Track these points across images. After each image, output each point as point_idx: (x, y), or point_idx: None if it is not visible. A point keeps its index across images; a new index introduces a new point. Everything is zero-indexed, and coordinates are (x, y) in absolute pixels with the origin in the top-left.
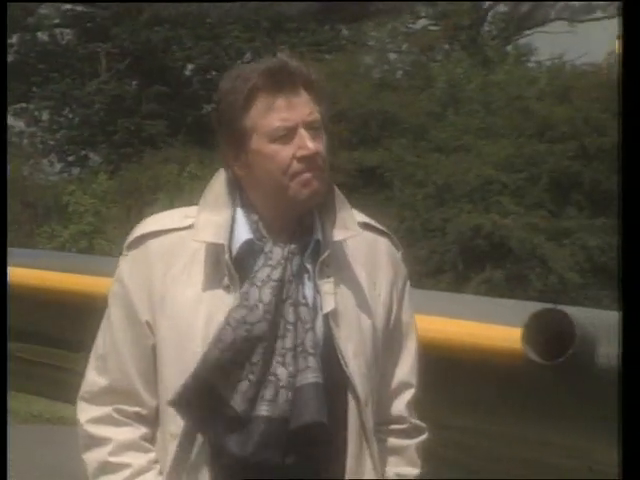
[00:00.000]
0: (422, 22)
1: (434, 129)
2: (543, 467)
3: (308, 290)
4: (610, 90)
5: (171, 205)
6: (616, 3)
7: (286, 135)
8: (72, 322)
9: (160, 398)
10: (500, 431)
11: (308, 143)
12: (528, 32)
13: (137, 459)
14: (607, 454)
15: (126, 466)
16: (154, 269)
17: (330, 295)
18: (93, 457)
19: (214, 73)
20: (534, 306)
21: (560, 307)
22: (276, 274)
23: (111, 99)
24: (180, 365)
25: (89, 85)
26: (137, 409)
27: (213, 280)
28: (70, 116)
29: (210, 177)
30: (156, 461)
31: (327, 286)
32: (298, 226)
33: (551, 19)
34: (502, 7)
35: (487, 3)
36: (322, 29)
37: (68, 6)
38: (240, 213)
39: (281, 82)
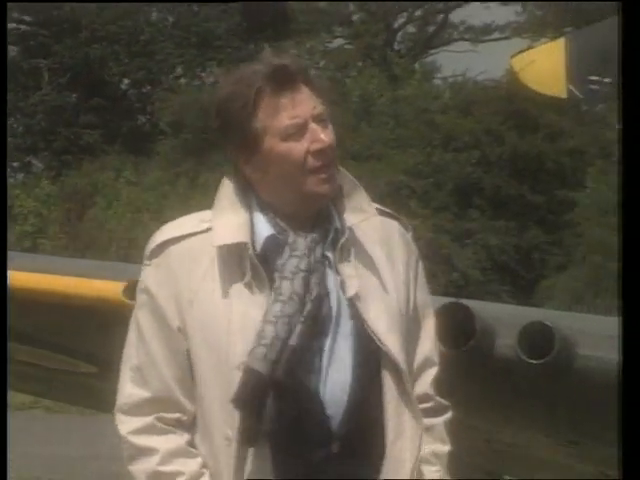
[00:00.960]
0: (338, 41)
1: (349, 139)
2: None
3: (330, 278)
4: (508, 103)
5: (108, 208)
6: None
7: (297, 132)
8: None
9: (203, 402)
10: None
11: (321, 136)
12: (433, 51)
13: (188, 466)
14: (503, 432)
15: (178, 474)
16: (178, 275)
17: (353, 278)
18: (141, 468)
19: (148, 87)
20: (439, 300)
21: (462, 301)
22: (303, 264)
23: (52, 110)
24: (219, 366)
25: (32, 97)
26: (178, 415)
27: (239, 279)
28: (15, 125)
29: (144, 182)
30: (205, 465)
31: (348, 270)
32: (316, 217)
33: (454, 39)
34: (410, 28)
35: (397, 24)
36: (247, 47)
37: (13, 25)
38: (257, 214)
39: (283, 81)
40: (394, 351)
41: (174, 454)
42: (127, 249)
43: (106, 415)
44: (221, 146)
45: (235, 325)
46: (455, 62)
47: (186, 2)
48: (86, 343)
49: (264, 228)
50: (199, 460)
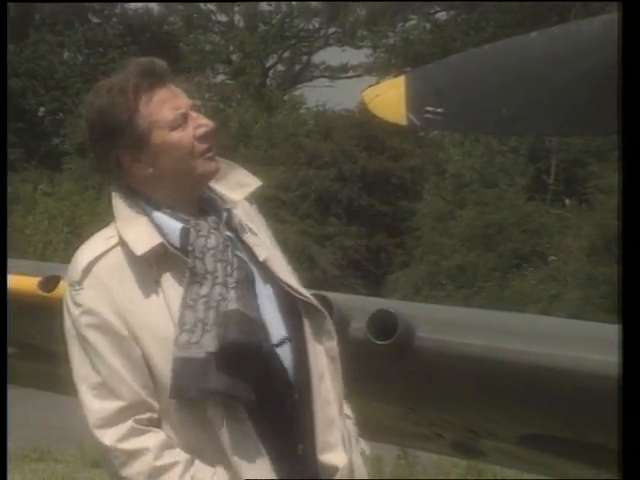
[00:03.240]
0: (220, 77)
1: (229, 158)
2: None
3: (239, 250)
4: (360, 129)
5: (27, 215)
6: None
7: (182, 121)
8: None
9: (164, 398)
10: None
11: (204, 121)
12: (300, 86)
13: (179, 456)
14: (352, 402)
15: (175, 464)
16: (110, 289)
17: (258, 246)
18: (138, 469)
19: (61, 114)
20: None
21: (322, 292)
22: (211, 243)
23: None
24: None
25: None
26: (149, 414)
27: (164, 276)
28: None
29: (57, 193)
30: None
31: (252, 239)
32: (200, 203)
33: (316, 76)
34: (280, 67)
35: (269, 63)
36: None
37: None
38: (156, 214)
39: (155, 78)
40: (311, 299)
41: (163, 448)
42: (43, 250)
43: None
44: (100, 161)
45: (172, 322)
46: (317, 95)
47: (186, 2)
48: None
49: (171, 223)
50: (184, 451)
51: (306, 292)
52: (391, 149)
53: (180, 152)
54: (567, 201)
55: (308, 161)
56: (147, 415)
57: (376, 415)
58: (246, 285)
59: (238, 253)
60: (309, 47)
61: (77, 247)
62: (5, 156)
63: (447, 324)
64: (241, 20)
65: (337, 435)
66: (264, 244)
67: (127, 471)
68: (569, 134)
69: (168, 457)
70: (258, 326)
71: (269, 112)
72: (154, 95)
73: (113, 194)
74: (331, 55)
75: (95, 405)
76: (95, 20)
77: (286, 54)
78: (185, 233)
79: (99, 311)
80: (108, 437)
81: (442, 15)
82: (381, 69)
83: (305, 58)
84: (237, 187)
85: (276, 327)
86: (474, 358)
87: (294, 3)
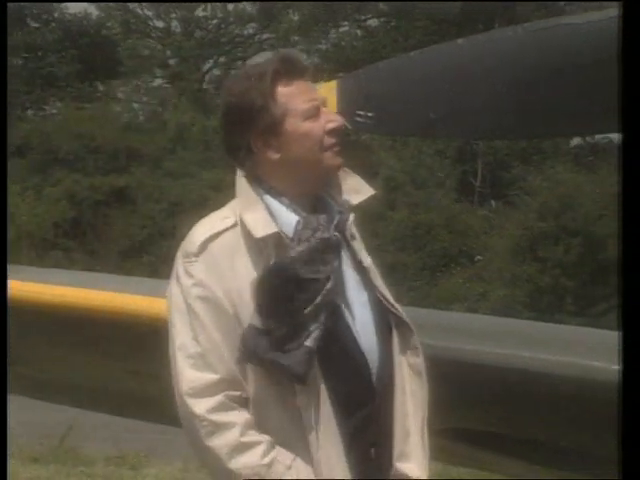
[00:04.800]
0: (158, 81)
1: (167, 160)
2: None
3: (344, 253)
4: None
5: None
6: None
7: (315, 113)
8: None
9: (259, 380)
10: None
11: (336, 117)
12: None
13: (263, 436)
14: None
15: (258, 442)
16: (223, 267)
17: (363, 250)
18: (223, 442)
19: None
20: None
21: None
22: (317, 235)
23: None
24: None
25: None
26: (239, 393)
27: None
28: None
29: None
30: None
31: (357, 244)
32: (316, 202)
33: None
34: (216, 71)
35: (205, 68)
36: (83, 84)
37: None
38: (272, 202)
39: (293, 69)
40: (402, 314)
41: (249, 426)
42: None
43: None
44: (230, 145)
45: None
46: None
47: (185, 2)
48: None
49: (287, 214)
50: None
51: (398, 306)
52: None
53: (310, 142)
54: (493, 202)
55: None
56: (237, 393)
57: None
58: (340, 287)
59: (343, 255)
60: (244, 52)
61: (19, 248)
62: (5, 156)
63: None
64: (178, 26)
65: (412, 448)
66: (365, 253)
67: (213, 442)
68: (495, 137)
69: (253, 436)
70: (348, 327)
71: (206, 115)
72: (291, 84)
73: (238, 177)
74: None
75: (190, 374)
76: (34, 24)
77: (222, 59)
78: (300, 226)
79: (210, 285)
80: (199, 406)
81: (373, 22)
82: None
83: (240, 63)
84: (353, 193)
85: (368, 333)
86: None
87: (230, 9)
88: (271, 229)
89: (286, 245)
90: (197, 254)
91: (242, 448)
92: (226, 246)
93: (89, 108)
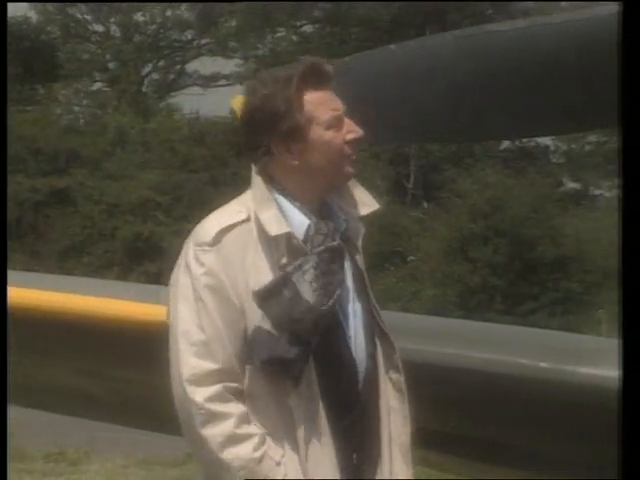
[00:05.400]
0: (98, 84)
1: (107, 162)
2: None
3: (346, 262)
4: (232, 135)
5: None
6: None
7: (337, 123)
8: None
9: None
10: None
11: (356, 128)
12: (174, 94)
13: (256, 429)
14: None
15: (252, 435)
16: (234, 259)
17: (361, 260)
18: (217, 431)
19: None
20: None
21: None
22: (327, 242)
23: None
24: None
25: None
26: (236, 385)
27: (279, 262)
28: None
29: None
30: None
31: (358, 256)
32: (323, 208)
33: (189, 85)
34: (155, 75)
35: (145, 71)
36: (23, 88)
37: None
38: (284, 204)
39: (319, 78)
40: (388, 331)
41: (244, 419)
42: None
43: None
44: (249, 145)
45: None
46: (191, 102)
47: (185, 2)
48: None
49: (299, 218)
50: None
51: (386, 323)
52: None
53: (331, 151)
54: (425, 204)
55: (182, 165)
56: (235, 385)
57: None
58: (342, 293)
59: (345, 264)
60: (183, 57)
61: None
62: (5, 156)
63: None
64: (117, 30)
65: (395, 464)
66: (362, 262)
67: (207, 431)
68: (426, 141)
69: (247, 428)
70: (341, 334)
71: (145, 118)
72: (316, 93)
73: (254, 175)
74: (204, 65)
75: (192, 361)
76: None
77: (161, 63)
78: (310, 229)
79: (220, 275)
80: (199, 394)
81: (308, 28)
82: (251, 78)
83: (179, 67)
84: (359, 204)
85: (359, 341)
86: None
87: (169, 15)
88: (285, 228)
89: (297, 246)
90: (211, 244)
91: (236, 439)
92: (238, 239)
93: (30, 111)
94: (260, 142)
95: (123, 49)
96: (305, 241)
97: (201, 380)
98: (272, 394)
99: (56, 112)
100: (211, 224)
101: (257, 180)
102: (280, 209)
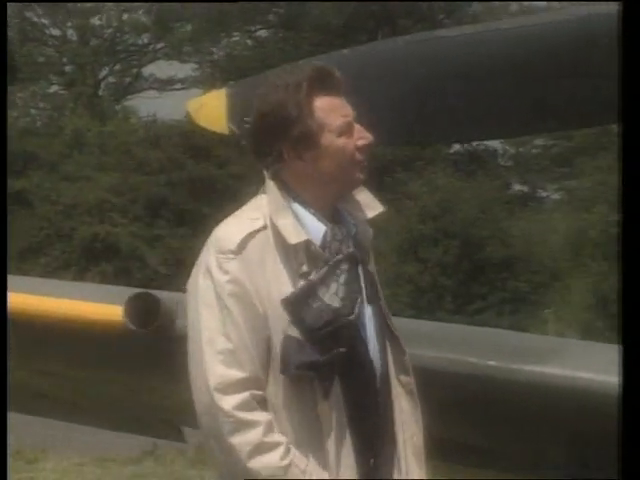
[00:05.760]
0: (55, 87)
1: (64, 164)
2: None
3: (359, 267)
4: (187, 138)
5: None
6: None
7: (348, 129)
8: None
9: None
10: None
11: (366, 134)
12: (130, 97)
13: (283, 438)
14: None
15: (279, 444)
16: (256, 267)
17: (372, 263)
18: (246, 440)
19: None
20: (132, 290)
21: (151, 290)
22: (343, 249)
23: None
24: None
25: None
26: (262, 393)
27: (297, 269)
28: None
29: None
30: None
31: (371, 262)
32: (334, 213)
33: (145, 88)
34: (112, 79)
35: (102, 75)
36: None
37: None
38: (299, 210)
39: (329, 83)
40: (399, 334)
41: (271, 427)
42: None
43: None
44: (260, 150)
45: None
46: (147, 106)
47: (183, 2)
48: None
49: (315, 224)
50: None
51: (396, 326)
52: (216, 157)
53: (343, 158)
54: None
55: (138, 168)
56: (260, 393)
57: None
58: (356, 297)
59: (358, 268)
60: (139, 61)
61: None
62: (5, 156)
63: None
64: (74, 34)
65: (409, 465)
66: (374, 265)
67: (236, 439)
68: (379, 144)
69: (274, 436)
70: (362, 340)
71: (101, 121)
72: (326, 99)
73: (268, 181)
74: (160, 68)
75: (220, 369)
76: None
77: (117, 66)
78: (327, 235)
79: (245, 284)
80: (227, 402)
81: (262, 32)
82: (206, 82)
83: (135, 71)
84: (365, 208)
85: (373, 346)
86: None
87: (125, 19)
88: (303, 236)
89: (315, 253)
90: (235, 252)
91: (264, 448)
92: (258, 247)
93: None
94: (271, 148)
95: (80, 52)
96: (323, 247)
97: (229, 388)
98: (297, 403)
99: (13, 115)
100: (233, 231)
101: (270, 186)
102: (295, 216)
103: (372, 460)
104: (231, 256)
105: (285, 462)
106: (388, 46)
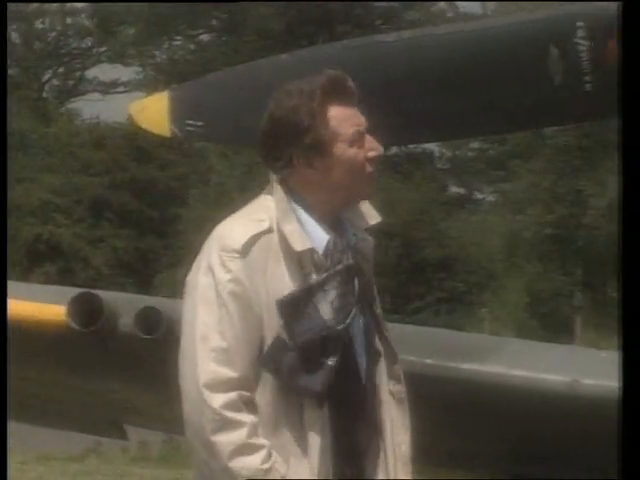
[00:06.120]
0: None
1: (8, 165)
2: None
3: (356, 277)
4: (130, 140)
5: None
6: None
7: (360, 139)
8: None
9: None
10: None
11: (377, 145)
12: (74, 99)
13: (265, 441)
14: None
15: (261, 447)
16: (258, 268)
17: (370, 277)
18: (229, 439)
19: None
20: (75, 290)
21: (94, 290)
22: (344, 259)
23: None
24: None
25: None
26: (249, 395)
27: (299, 276)
28: None
29: None
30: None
31: (370, 271)
32: (335, 222)
33: (89, 91)
34: (56, 81)
35: (45, 78)
36: None
37: None
38: (304, 217)
39: (343, 94)
40: (392, 343)
41: (255, 429)
42: None
43: None
44: (270, 156)
45: None
46: (91, 108)
47: (183, 2)
48: None
49: (319, 232)
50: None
51: (389, 332)
52: (159, 159)
53: (353, 168)
54: None
55: (82, 169)
56: (248, 394)
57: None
58: (350, 309)
59: (355, 280)
60: (82, 64)
61: None
62: (5, 155)
63: None
64: (17, 37)
65: (394, 465)
66: (372, 275)
67: (219, 437)
68: None
69: (258, 439)
70: (349, 350)
71: (46, 123)
72: (340, 108)
73: (275, 184)
74: (103, 71)
75: (212, 367)
76: None
77: (61, 69)
78: (330, 244)
79: (245, 284)
80: (215, 400)
81: (205, 37)
82: (149, 85)
83: (79, 74)
84: (365, 217)
85: (362, 356)
86: None
87: (69, 22)
88: (308, 244)
89: (318, 261)
90: (240, 252)
91: (246, 449)
92: (262, 249)
93: None
94: (282, 153)
95: (24, 56)
96: (325, 255)
97: (219, 386)
98: (286, 407)
99: None
100: (238, 231)
101: (277, 189)
102: (300, 222)
103: (357, 466)
104: (235, 255)
105: (266, 466)
106: (327, 50)
